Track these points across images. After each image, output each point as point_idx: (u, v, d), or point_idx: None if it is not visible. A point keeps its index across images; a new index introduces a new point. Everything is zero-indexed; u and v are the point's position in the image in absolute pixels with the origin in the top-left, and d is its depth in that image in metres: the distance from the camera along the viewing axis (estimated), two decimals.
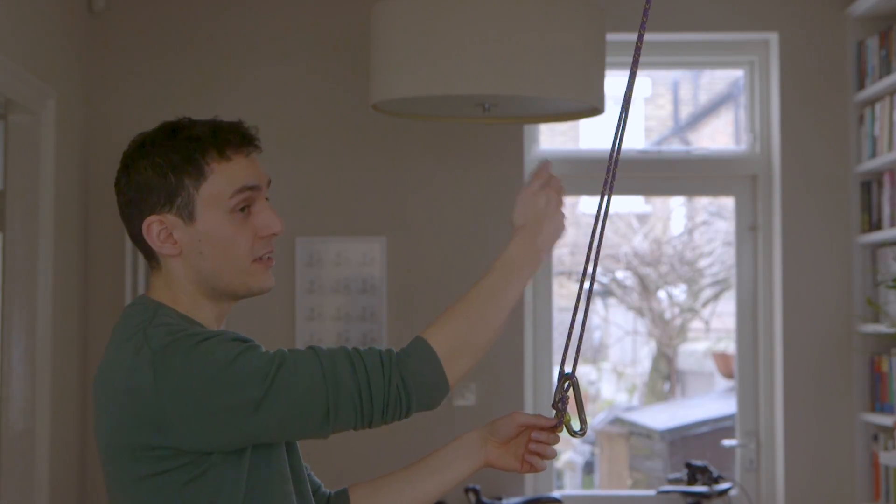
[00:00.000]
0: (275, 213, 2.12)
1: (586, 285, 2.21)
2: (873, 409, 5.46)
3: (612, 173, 2.21)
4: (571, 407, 2.22)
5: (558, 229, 2.17)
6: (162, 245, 2.07)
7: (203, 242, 2.07)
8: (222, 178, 2.07)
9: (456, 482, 2.28)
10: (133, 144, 2.12)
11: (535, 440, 2.22)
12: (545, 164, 2.20)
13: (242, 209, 2.08)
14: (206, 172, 2.06)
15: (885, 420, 5.25)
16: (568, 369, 2.23)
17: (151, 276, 2.14)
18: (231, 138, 2.09)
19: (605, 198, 2.21)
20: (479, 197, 5.60)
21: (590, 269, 2.24)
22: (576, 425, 2.21)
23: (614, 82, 5.11)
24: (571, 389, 2.21)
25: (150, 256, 2.11)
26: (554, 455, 2.25)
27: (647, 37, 6.60)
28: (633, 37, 5.83)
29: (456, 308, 2.07)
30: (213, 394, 1.93)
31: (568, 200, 9.33)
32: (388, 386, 1.98)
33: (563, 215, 2.17)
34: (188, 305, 2.09)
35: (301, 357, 1.97)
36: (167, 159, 2.06)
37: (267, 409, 1.93)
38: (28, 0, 4.83)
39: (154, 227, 2.07)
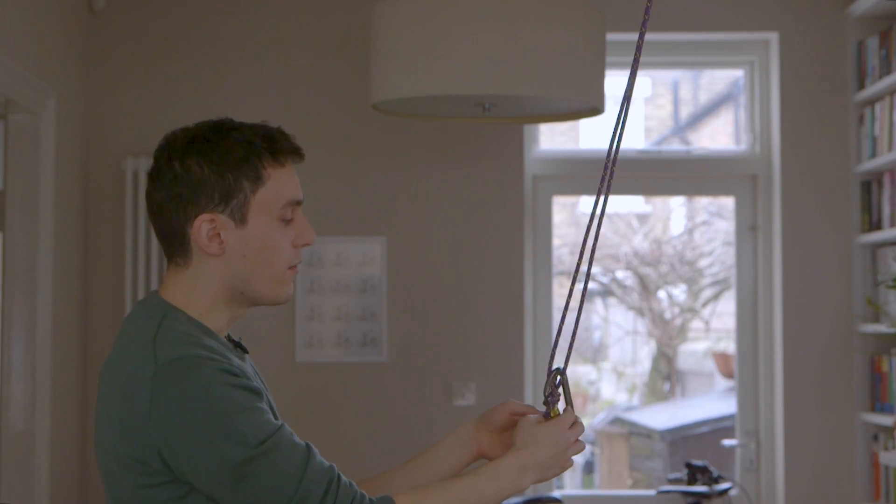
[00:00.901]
0: (309, 224, 2.15)
1: (579, 285, 2.22)
2: (873, 409, 5.46)
3: (611, 171, 2.21)
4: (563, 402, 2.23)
5: (553, 475, 2.18)
6: (209, 244, 2.05)
7: (249, 246, 2.06)
8: (277, 185, 2.08)
9: (451, 473, 2.30)
10: (177, 139, 2.09)
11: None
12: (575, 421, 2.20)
13: (283, 217, 2.09)
14: (263, 177, 2.06)
15: (885, 420, 5.25)
16: (559, 365, 2.24)
17: (170, 273, 2.11)
18: (285, 145, 2.10)
19: (602, 197, 2.22)
20: (479, 197, 5.60)
21: (584, 268, 2.25)
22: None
23: (614, 82, 5.11)
24: (561, 385, 2.21)
25: (182, 253, 2.08)
26: None
27: (647, 36, 6.58)
28: (634, 37, 5.82)
29: (435, 490, 2.08)
30: (200, 439, 1.92)
31: (567, 200, 9.31)
32: None
33: (571, 462, 2.19)
34: (204, 308, 2.07)
35: (294, 450, 1.97)
36: (225, 159, 2.05)
37: (247, 485, 1.93)
38: (29, 0, 4.83)
39: (204, 226, 2.04)
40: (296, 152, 2.11)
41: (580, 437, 2.19)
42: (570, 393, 2.22)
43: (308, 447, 1.99)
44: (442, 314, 5.60)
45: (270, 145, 2.08)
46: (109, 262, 5.53)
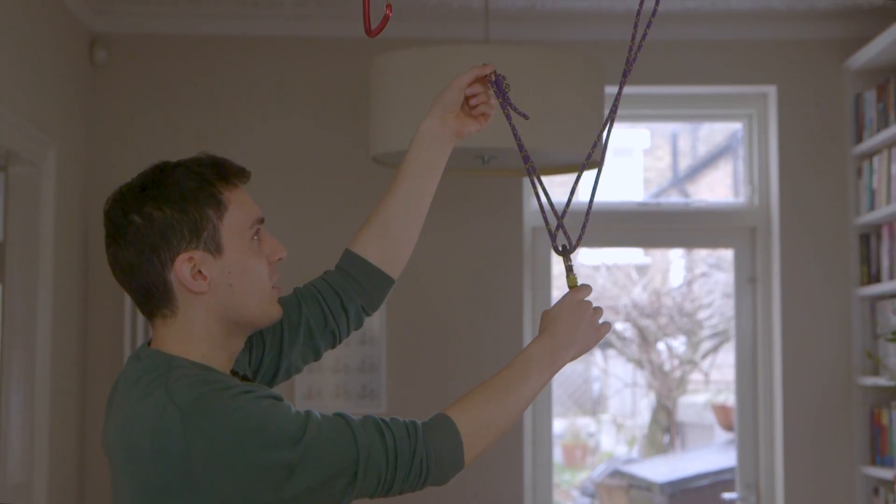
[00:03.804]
0: (276, 239, 2.15)
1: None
2: (874, 463, 5.44)
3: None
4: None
5: (588, 345, 2.22)
6: (194, 283, 2.01)
7: (232, 274, 2.03)
8: (239, 207, 2.06)
9: (439, 168, 2.38)
10: (126, 193, 2.04)
11: (471, 94, 2.32)
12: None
13: (253, 237, 2.08)
14: (224, 202, 2.04)
15: (885, 473, 5.23)
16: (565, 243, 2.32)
17: (158, 328, 2.06)
18: (232, 168, 2.09)
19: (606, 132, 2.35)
20: (478, 248, 5.61)
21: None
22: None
23: (613, 134, 5.12)
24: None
25: (167, 303, 2.04)
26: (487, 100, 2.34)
27: (646, 89, 6.58)
28: (633, 90, 5.85)
29: (478, 392, 2.08)
30: (246, 454, 1.89)
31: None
32: (413, 458, 1.98)
33: (598, 336, 2.23)
34: (205, 350, 2.04)
35: (332, 423, 1.96)
36: (181, 195, 2.01)
37: (300, 474, 1.91)
38: (30, 52, 4.85)
39: (185, 266, 2.00)
40: (243, 173, 2.10)
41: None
42: (571, 262, 2.28)
43: (340, 414, 1.99)
44: (441, 365, 5.59)
45: (219, 171, 2.06)
46: (109, 313, 5.53)
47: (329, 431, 1.94)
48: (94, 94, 5.61)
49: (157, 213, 2.00)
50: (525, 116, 2.32)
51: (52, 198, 5.02)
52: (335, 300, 2.35)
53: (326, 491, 1.95)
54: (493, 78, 2.32)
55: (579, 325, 2.19)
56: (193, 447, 1.89)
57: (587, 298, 2.22)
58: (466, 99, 2.34)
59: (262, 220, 2.10)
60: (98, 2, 5.51)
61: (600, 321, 2.23)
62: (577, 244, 2.32)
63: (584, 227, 2.31)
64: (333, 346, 2.40)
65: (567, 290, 2.25)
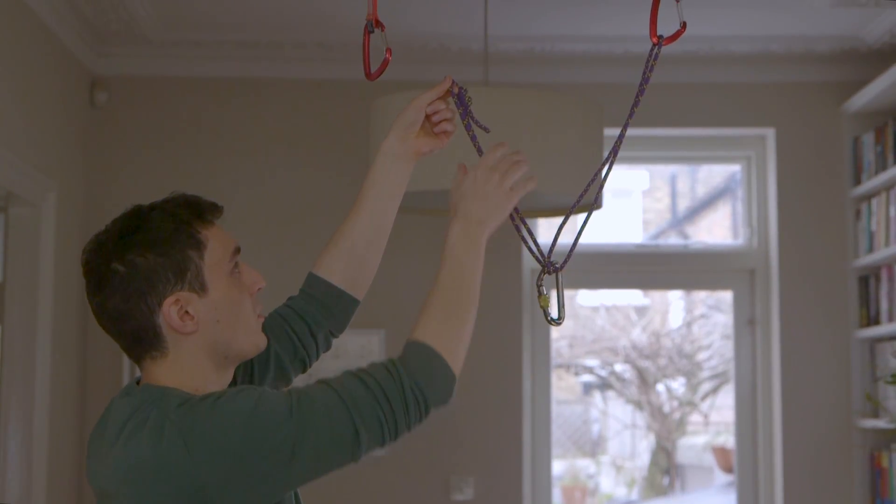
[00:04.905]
0: (253, 268, 2.16)
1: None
2: None
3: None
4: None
5: (503, 212, 2.23)
6: (183, 324, 2.03)
7: (219, 310, 2.05)
8: (217, 243, 2.07)
9: (402, 188, 2.42)
10: (104, 243, 2.06)
11: (432, 112, 2.32)
12: (501, 149, 2.24)
13: (233, 271, 2.10)
14: (202, 240, 2.06)
15: None
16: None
17: (148, 367, 2.08)
18: (205, 205, 2.10)
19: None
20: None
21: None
22: (553, 313, 2.34)
23: (612, 176, 5.13)
24: (556, 280, 2.32)
25: (157, 346, 2.05)
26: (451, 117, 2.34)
27: (645, 131, 6.60)
28: (631, 132, 5.87)
29: (430, 306, 2.12)
30: (247, 446, 1.90)
31: (566, 293, 9.29)
32: (403, 390, 2.00)
33: (510, 201, 2.22)
34: (198, 384, 2.04)
35: (314, 390, 1.98)
36: (161, 238, 2.03)
37: (302, 445, 1.92)
38: (31, 93, 4.87)
39: (173, 309, 2.02)
40: (216, 208, 2.12)
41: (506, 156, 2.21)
42: (562, 290, 2.31)
43: (321, 379, 2.00)
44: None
45: (194, 210, 2.08)
46: (107, 354, 5.52)
47: (315, 397, 1.96)
48: (94, 135, 5.63)
49: (139, 260, 2.02)
50: (486, 130, 2.34)
51: (52, 239, 5.03)
52: (303, 328, 2.36)
53: (334, 454, 1.96)
54: (456, 90, 2.32)
55: (487, 198, 2.19)
56: (198, 457, 1.90)
57: (498, 155, 2.21)
58: (428, 117, 2.34)
59: (238, 251, 2.12)
60: (99, 44, 5.54)
61: (514, 179, 2.21)
62: (563, 266, 2.35)
63: (571, 251, 2.34)
64: (305, 371, 2.40)
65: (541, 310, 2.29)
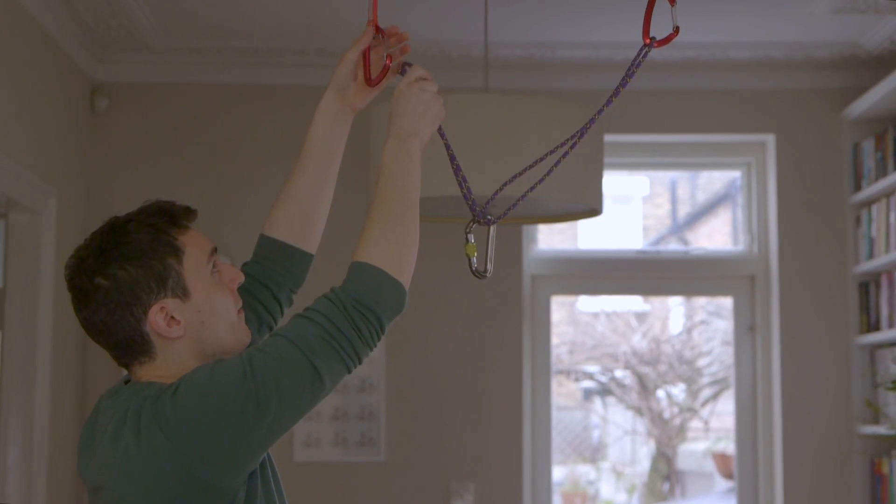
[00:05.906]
0: (230, 264, 2.22)
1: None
2: None
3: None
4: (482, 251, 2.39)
5: (435, 119, 2.31)
6: (170, 330, 2.08)
7: (203, 312, 2.11)
8: (194, 247, 2.13)
9: (343, 145, 2.49)
10: (85, 259, 2.14)
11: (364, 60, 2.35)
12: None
13: (212, 272, 2.14)
14: (180, 247, 2.11)
15: None
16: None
17: (136, 370, 2.14)
18: (179, 210, 2.17)
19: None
20: (477, 296, 5.61)
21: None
22: (480, 265, 2.41)
23: (612, 182, 5.14)
24: (487, 233, 2.35)
25: (146, 351, 2.11)
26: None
27: (645, 138, 6.59)
28: (632, 138, 5.89)
29: (368, 223, 2.17)
30: (213, 415, 1.95)
31: (566, 299, 9.28)
32: (349, 313, 2.05)
33: (440, 106, 2.30)
34: None
35: (264, 343, 2.03)
36: (140, 250, 2.09)
37: (265, 396, 1.96)
38: (32, 100, 4.87)
39: (159, 317, 2.07)
40: (190, 212, 2.18)
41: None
42: (493, 243, 2.34)
43: (272, 332, 2.12)
44: (440, 413, 5.58)
45: (169, 217, 2.15)
46: (107, 360, 5.49)
47: (264, 349, 2.01)
48: (94, 141, 5.63)
49: (121, 273, 2.09)
50: (408, 65, 2.34)
51: (52, 245, 5.03)
52: (266, 294, 2.40)
53: (300, 394, 2.00)
54: (381, 35, 2.34)
55: (415, 109, 2.26)
56: (173, 439, 1.95)
57: (420, 71, 2.29)
58: (366, 68, 2.37)
59: (215, 250, 2.19)
60: (100, 50, 5.54)
61: (435, 86, 2.29)
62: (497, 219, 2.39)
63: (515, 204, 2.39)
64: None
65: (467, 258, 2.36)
